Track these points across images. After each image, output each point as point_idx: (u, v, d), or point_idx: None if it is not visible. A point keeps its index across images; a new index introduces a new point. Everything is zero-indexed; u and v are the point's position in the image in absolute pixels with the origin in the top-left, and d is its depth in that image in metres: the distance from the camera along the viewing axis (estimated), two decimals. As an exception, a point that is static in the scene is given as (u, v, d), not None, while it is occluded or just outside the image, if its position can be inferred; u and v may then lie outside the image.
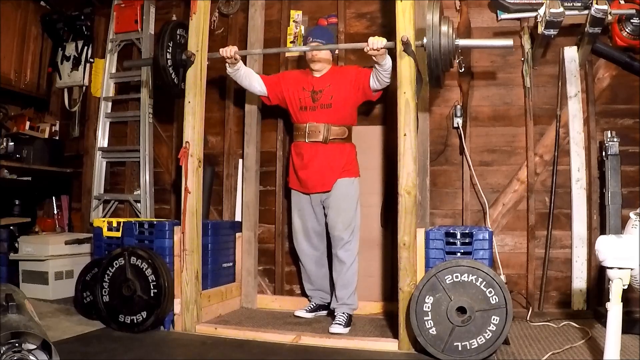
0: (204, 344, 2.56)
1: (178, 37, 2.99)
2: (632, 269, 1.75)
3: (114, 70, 4.09)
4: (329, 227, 2.93)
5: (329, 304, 3.08)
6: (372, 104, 3.33)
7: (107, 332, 2.71)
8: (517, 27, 3.27)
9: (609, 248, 1.75)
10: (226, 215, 3.65)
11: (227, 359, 2.37)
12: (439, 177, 3.34)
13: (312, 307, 3.11)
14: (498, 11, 3.27)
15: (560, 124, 3.19)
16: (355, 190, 2.96)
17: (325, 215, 2.97)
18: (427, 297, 2.29)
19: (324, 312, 3.13)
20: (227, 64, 2.89)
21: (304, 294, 3.29)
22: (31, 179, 3.97)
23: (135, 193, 3.94)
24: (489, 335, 2.22)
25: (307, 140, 2.93)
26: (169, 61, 2.90)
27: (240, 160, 3.60)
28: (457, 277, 2.29)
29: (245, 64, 3.31)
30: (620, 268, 1.74)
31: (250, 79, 3.01)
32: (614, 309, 1.75)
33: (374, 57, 2.62)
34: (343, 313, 2.84)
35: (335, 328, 2.71)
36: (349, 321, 2.83)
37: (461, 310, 2.25)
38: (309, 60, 2.95)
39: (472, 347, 2.23)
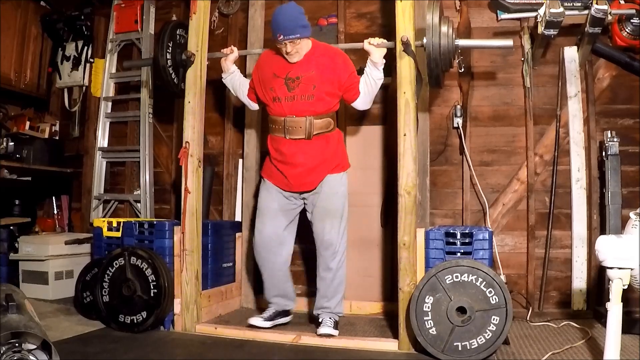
0: (204, 344, 2.56)
1: (178, 37, 2.98)
2: (632, 269, 1.76)
3: (114, 70, 4.09)
4: (317, 228, 2.64)
5: (289, 310, 2.83)
6: (372, 104, 3.33)
7: (107, 332, 2.70)
8: (517, 27, 3.27)
9: (609, 248, 1.76)
10: (226, 215, 3.65)
11: (227, 359, 2.37)
12: (439, 177, 3.34)
13: (269, 314, 2.75)
14: (498, 11, 3.27)
15: (560, 124, 3.19)
16: (344, 185, 2.68)
17: (307, 211, 2.69)
18: (427, 297, 2.29)
19: (284, 320, 2.80)
20: (222, 74, 2.83)
21: (303, 294, 3.29)
22: (31, 179, 3.97)
23: (135, 193, 3.94)
24: (489, 335, 2.22)
25: (286, 137, 2.59)
26: (169, 61, 2.89)
27: (240, 160, 3.60)
28: (457, 277, 2.28)
29: (245, 64, 3.32)
30: (620, 268, 1.74)
31: (243, 88, 2.81)
32: (614, 309, 1.75)
33: (372, 60, 2.51)
34: (330, 318, 2.64)
35: (324, 329, 2.55)
36: (337, 325, 2.64)
37: (461, 310, 2.25)
38: (285, 55, 2.55)
39: (472, 347, 2.23)
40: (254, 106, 2.89)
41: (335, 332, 2.59)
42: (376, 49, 2.51)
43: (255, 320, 2.70)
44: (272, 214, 2.69)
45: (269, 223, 2.69)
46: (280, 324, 2.79)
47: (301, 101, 2.56)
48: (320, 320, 2.66)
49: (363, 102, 2.64)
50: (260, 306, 3.16)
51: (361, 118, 3.40)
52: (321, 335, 2.55)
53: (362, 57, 2.65)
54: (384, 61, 2.55)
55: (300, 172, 2.61)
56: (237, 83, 2.84)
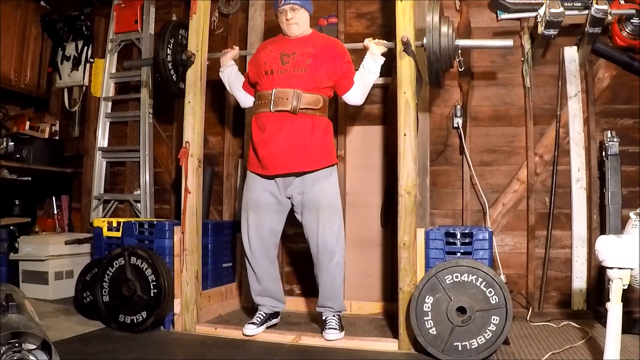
0: (204, 344, 2.56)
1: (180, 37, 2.99)
2: (632, 269, 1.76)
3: (114, 70, 4.09)
4: (309, 231, 2.58)
5: (279, 312, 2.79)
6: (372, 104, 3.34)
7: (107, 332, 2.70)
8: (517, 27, 3.27)
9: (609, 248, 1.76)
10: (226, 215, 3.65)
11: (227, 359, 2.37)
12: (439, 177, 3.34)
13: (261, 318, 2.68)
14: (498, 11, 3.27)
15: (560, 124, 3.19)
16: (336, 181, 2.61)
17: (296, 212, 2.62)
18: (427, 297, 2.29)
19: (274, 321, 2.76)
20: (220, 69, 2.84)
21: (302, 293, 3.29)
22: (31, 179, 3.97)
23: (135, 193, 3.94)
24: (489, 335, 2.22)
25: (272, 110, 2.49)
26: (168, 56, 2.90)
27: (240, 160, 3.60)
28: (457, 277, 2.29)
29: (245, 65, 3.32)
30: (620, 268, 1.75)
31: (238, 81, 2.83)
32: (614, 309, 1.75)
33: (371, 52, 2.57)
34: (334, 316, 2.62)
35: (330, 334, 2.52)
36: (341, 324, 2.61)
37: (461, 310, 2.25)
38: (285, 25, 2.57)
39: (472, 347, 2.23)
40: (246, 102, 2.84)
41: (341, 335, 2.56)
42: (375, 44, 2.57)
43: (249, 330, 2.60)
44: (262, 210, 2.61)
45: (252, 217, 2.63)
46: (273, 325, 2.74)
47: (293, 73, 2.51)
48: (324, 317, 2.64)
49: (356, 94, 2.62)
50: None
51: (361, 118, 3.40)
52: (328, 341, 2.52)
53: (362, 57, 2.66)
54: (383, 58, 2.59)
55: (281, 150, 2.48)
56: (233, 77, 2.87)
